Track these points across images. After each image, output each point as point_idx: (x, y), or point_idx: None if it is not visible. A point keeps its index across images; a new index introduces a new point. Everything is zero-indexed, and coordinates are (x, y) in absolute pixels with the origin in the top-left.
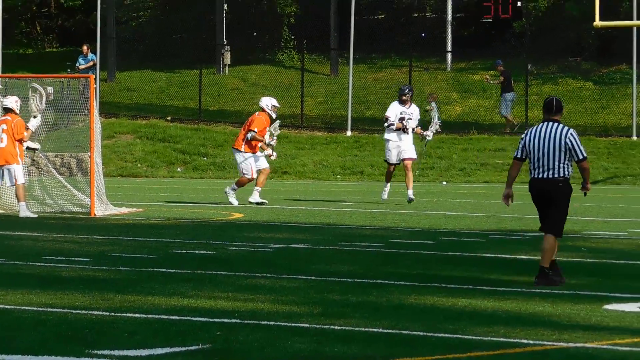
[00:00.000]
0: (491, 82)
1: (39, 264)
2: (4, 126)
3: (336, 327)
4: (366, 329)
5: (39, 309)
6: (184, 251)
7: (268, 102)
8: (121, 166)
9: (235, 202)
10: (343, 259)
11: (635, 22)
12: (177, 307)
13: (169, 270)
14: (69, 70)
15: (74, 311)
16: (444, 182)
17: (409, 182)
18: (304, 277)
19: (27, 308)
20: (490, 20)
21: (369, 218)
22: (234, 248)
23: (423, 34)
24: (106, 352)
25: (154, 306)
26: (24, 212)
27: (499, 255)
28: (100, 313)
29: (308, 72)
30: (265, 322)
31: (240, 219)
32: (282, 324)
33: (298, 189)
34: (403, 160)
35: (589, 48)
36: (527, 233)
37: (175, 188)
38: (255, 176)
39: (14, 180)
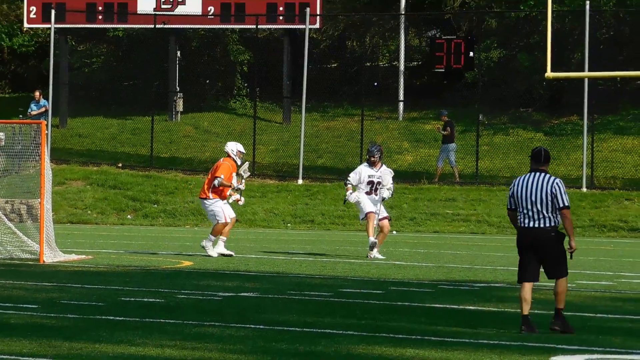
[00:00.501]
0: (442, 132)
1: None
2: None
3: None
4: None
5: None
6: (132, 299)
7: (234, 147)
8: (71, 213)
9: (214, 254)
10: (292, 308)
11: (586, 73)
12: (124, 354)
13: (117, 318)
14: (20, 116)
15: (21, 358)
16: (394, 232)
17: (381, 240)
18: (253, 326)
19: None
20: (443, 70)
21: (319, 267)
22: (183, 296)
23: (375, 83)
24: None
25: (101, 354)
26: None
27: (448, 306)
28: None
29: (260, 120)
30: None
31: (189, 267)
32: None
33: (248, 237)
34: (381, 220)
35: (540, 99)
36: (476, 284)
37: (126, 235)
38: (228, 220)
39: None
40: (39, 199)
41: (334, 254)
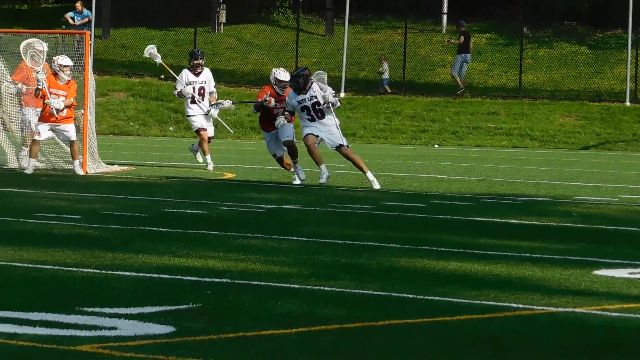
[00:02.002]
0: (453, 42)
1: (31, 220)
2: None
3: (326, 289)
4: (356, 291)
5: (29, 265)
6: (175, 210)
7: (272, 75)
8: (113, 124)
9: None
10: (334, 221)
11: None
12: (168, 266)
13: (160, 229)
14: (63, 26)
15: (64, 268)
16: (436, 145)
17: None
18: (295, 239)
19: (17, 264)
20: None
21: (361, 180)
22: (226, 208)
23: None
24: (97, 309)
25: (144, 265)
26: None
27: (490, 219)
28: (91, 271)
29: (303, 32)
30: (256, 283)
31: (232, 179)
32: (273, 284)
33: None
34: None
35: (584, 12)
36: (519, 197)
37: (167, 147)
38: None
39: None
40: (82, 110)
41: (376, 167)
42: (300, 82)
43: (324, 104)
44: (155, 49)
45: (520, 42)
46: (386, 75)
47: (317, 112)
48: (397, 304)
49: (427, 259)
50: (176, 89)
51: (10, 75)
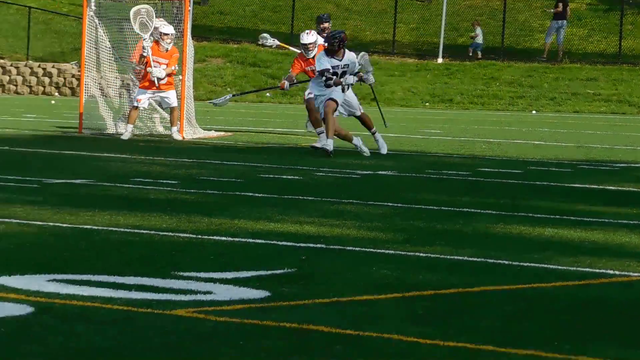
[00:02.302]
0: (550, 10)
1: (127, 185)
2: None
3: (421, 255)
4: (451, 257)
5: (126, 230)
6: (271, 176)
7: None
8: (211, 90)
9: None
10: (429, 187)
11: None
12: (263, 231)
13: (256, 195)
14: None
15: (160, 233)
16: (534, 111)
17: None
18: (390, 204)
19: (114, 229)
20: None
21: (457, 146)
22: (321, 174)
23: None
24: (192, 274)
25: (240, 230)
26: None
27: (587, 186)
28: (187, 235)
29: None
30: (351, 248)
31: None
32: (367, 249)
33: (386, 116)
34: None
35: None
36: (616, 164)
37: (264, 113)
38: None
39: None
40: (180, 76)
41: (472, 133)
42: (334, 44)
43: (354, 77)
44: (267, 36)
45: (621, 8)
46: (479, 40)
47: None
48: (492, 270)
49: (523, 226)
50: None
51: (108, 41)
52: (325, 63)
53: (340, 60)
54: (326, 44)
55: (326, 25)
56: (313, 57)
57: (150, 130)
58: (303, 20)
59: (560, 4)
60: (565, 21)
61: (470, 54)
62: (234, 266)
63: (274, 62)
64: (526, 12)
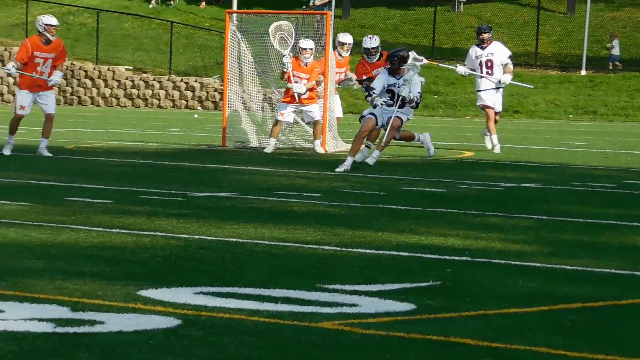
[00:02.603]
0: None
1: (271, 198)
2: None
3: (567, 267)
4: (598, 270)
5: (271, 242)
6: (413, 188)
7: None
8: (352, 103)
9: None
10: (575, 199)
11: None
12: (407, 243)
13: (399, 207)
14: (304, 7)
15: (305, 246)
16: None
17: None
18: (535, 217)
19: (259, 242)
20: None
21: (601, 158)
22: (464, 186)
23: None
24: (337, 286)
25: (384, 242)
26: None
27: None
28: (332, 248)
29: (544, 10)
30: (496, 261)
31: (470, 158)
32: (513, 262)
33: (530, 127)
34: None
35: None
36: None
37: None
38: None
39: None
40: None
41: (617, 145)
42: (394, 63)
43: (407, 100)
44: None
45: None
46: (615, 52)
47: (399, 101)
48: (639, 283)
49: None
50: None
51: (251, 55)
52: (377, 82)
53: (398, 79)
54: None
55: (486, 36)
56: (376, 61)
57: (292, 143)
58: (444, 32)
59: None
60: None
61: (610, 68)
62: (379, 279)
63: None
64: None
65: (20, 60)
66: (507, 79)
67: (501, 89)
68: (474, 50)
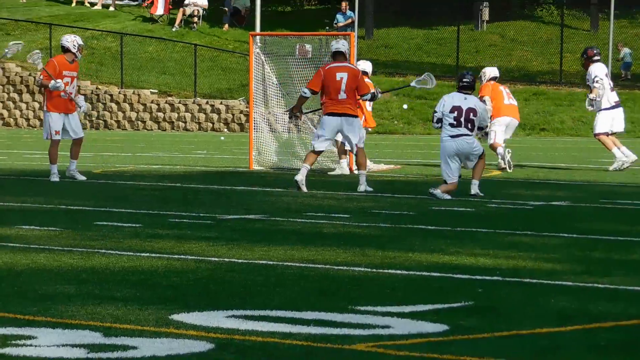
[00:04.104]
0: None
1: (300, 220)
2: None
3: (600, 286)
4: (631, 288)
5: (300, 264)
6: (443, 208)
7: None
8: (378, 123)
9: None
10: (605, 217)
11: None
12: (437, 263)
13: (429, 227)
14: (327, 28)
15: (335, 267)
16: None
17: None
18: (566, 235)
19: (289, 264)
20: None
21: (631, 176)
22: (494, 205)
23: None
24: (369, 307)
25: (414, 263)
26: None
27: None
28: (362, 269)
29: (567, 28)
30: (528, 280)
31: (498, 176)
32: (545, 281)
33: (556, 145)
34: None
35: None
36: None
37: (432, 145)
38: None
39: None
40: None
41: None
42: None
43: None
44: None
45: None
46: (628, 59)
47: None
48: None
49: None
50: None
51: (275, 77)
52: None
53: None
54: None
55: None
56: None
57: (320, 164)
58: (468, 51)
59: None
60: None
61: (622, 77)
62: (411, 300)
63: (440, 94)
64: None
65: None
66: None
67: None
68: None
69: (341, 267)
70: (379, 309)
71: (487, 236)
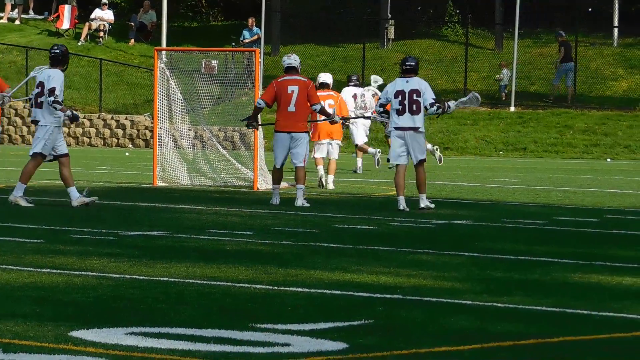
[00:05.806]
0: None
1: (203, 237)
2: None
3: (499, 305)
4: (530, 307)
5: (202, 282)
6: (346, 226)
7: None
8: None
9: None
10: (506, 237)
11: None
12: (339, 282)
13: (331, 245)
14: (233, 44)
15: (237, 285)
16: (609, 159)
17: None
18: (467, 254)
19: (190, 281)
20: None
21: (532, 195)
22: (396, 223)
23: (590, 9)
24: (269, 325)
25: (316, 281)
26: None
27: None
28: (264, 287)
29: (472, 47)
30: (428, 299)
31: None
32: (445, 300)
33: (460, 164)
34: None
35: None
36: None
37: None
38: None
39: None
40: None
41: (547, 181)
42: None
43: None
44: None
45: None
46: (504, 82)
47: None
48: (571, 320)
49: (601, 275)
50: None
51: (180, 93)
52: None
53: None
54: None
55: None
56: None
57: (224, 181)
58: (373, 69)
59: (563, 48)
60: (572, 63)
61: (503, 98)
62: (312, 318)
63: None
64: (597, 60)
65: None
66: None
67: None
68: None
69: (243, 285)
70: (279, 326)
71: (389, 254)
